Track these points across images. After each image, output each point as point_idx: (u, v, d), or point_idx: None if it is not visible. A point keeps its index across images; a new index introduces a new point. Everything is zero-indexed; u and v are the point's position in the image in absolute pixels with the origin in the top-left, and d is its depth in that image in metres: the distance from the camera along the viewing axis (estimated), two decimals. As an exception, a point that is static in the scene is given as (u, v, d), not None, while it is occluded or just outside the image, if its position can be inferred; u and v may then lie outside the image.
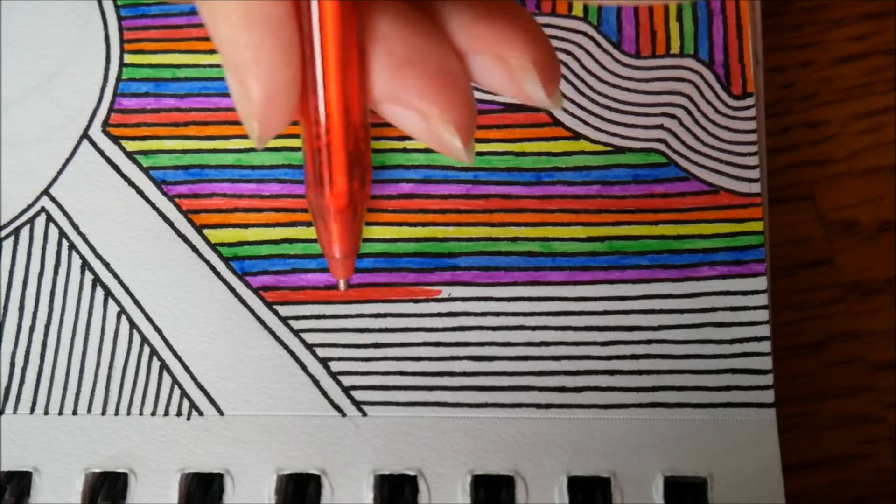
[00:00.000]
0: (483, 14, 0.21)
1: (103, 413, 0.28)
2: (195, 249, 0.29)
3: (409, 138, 0.29)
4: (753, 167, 0.29)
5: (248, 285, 0.29)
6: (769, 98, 0.32)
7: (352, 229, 0.25)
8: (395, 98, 0.21)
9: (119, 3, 0.31)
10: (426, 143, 0.22)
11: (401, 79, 0.21)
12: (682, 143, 0.30)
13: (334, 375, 0.28)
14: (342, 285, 0.29)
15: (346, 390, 0.28)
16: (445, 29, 0.22)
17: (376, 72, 0.21)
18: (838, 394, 0.30)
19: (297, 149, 0.30)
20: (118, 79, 0.30)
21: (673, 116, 0.30)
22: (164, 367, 0.28)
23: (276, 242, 0.29)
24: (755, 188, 0.29)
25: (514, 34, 0.21)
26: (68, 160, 0.30)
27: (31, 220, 0.29)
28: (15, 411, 0.28)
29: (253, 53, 0.20)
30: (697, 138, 0.30)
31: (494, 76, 0.22)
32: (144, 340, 0.28)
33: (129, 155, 0.30)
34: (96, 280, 0.29)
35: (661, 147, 0.30)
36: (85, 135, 0.30)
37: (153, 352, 0.28)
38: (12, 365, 0.28)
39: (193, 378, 0.28)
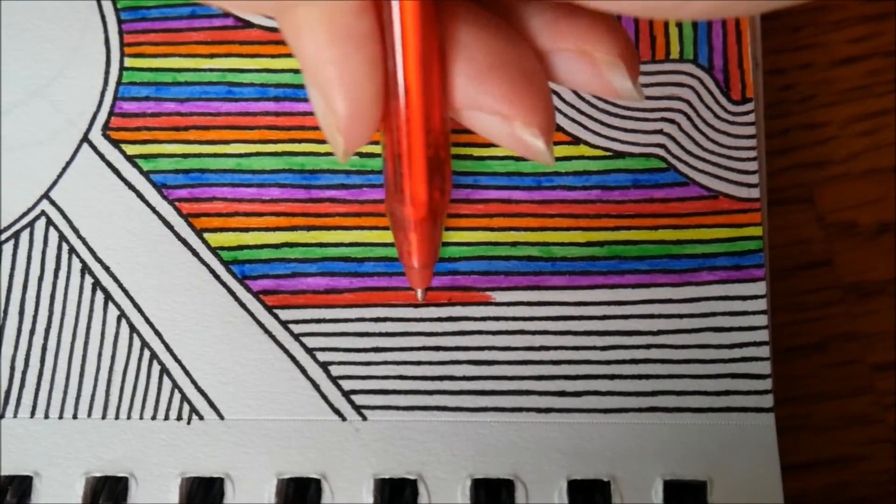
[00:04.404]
0: (565, 11, 0.21)
1: (103, 417, 0.28)
2: (195, 253, 0.29)
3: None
4: (753, 172, 0.30)
5: (249, 289, 0.29)
6: (768, 100, 0.32)
7: (431, 239, 0.25)
8: (477, 104, 0.21)
9: (119, 5, 0.31)
10: (508, 146, 0.22)
11: (483, 85, 0.21)
12: (682, 148, 0.30)
13: (334, 380, 0.28)
14: (419, 294, 0.28)
15: (346, 394, 0.28)
16: (525, 30, 0.22)
17: (458, 79, 0.21)
18: (837, 395, 0.30)
19: (298, 153, 0.30)
20: (118, 82, 0.30)
21: (672, 121, 0.30)
22: (164, 370, 0.28)
23: (276, 246, 0.29)
24: (754, 193, 0.29)
25: (597, 29, 0.21)
26: (68, 164, 0.30)
27: (31, 224, 0.29)
28: (15, 415, 0.28)
29: (338, 69, 0.20)
30: (697, 143, 0.30)
31: (579, 72, 0.22)
32: (144, 344, 0.28)
33: (130, 159, 0.30)
34: (96, 284, 0.29)
35: (661, 152, 0.30)
36: (85, 138, 0.30)
37: (153, 356, 0.28)
38: (12, 369, 0.28)
39: (193, 382, 0.28)
